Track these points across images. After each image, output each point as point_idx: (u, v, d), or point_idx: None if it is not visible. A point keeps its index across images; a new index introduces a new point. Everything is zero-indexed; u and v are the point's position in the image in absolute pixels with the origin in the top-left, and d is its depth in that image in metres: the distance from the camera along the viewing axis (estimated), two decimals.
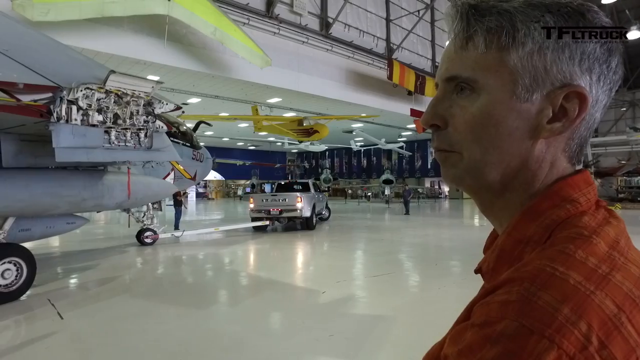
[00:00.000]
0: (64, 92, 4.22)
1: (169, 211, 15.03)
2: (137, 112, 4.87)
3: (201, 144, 11.79)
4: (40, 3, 8.06)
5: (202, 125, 13.12)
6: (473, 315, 0.44)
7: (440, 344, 0.53)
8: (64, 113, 4.26)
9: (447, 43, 0.56)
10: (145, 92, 4.84)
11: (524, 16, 0.49)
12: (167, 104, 5.21)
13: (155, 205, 10.20)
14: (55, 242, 10.73)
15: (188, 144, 10.27)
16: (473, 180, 0.54)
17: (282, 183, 15.74)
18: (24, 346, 4.03)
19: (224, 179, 43.82)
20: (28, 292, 5.85)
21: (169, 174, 9.59)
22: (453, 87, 0.53)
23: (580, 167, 0.54)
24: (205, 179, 39.82)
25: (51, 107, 4.17)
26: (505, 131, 0.50)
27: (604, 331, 0.38)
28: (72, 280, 6.86)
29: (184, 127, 10.18)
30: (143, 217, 10.10)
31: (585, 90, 0.48)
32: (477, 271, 0.57)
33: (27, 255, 5.65)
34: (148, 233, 10.00)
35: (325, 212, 16.68)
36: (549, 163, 0.51)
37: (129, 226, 10.33)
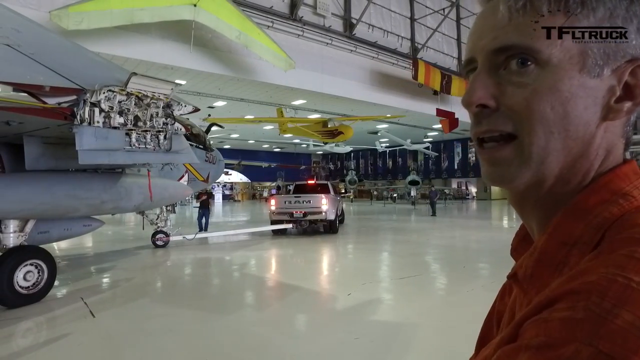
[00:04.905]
0: (87, 95, 4.25)
1: (197, 213, 15.25)
2: (157, 114, 4.88)
3: (226, 146, 11.88)
4: (75, 12, 8.42)
5: (225, 127, 13.22)
6: (524, 333, 0.36)
7: None
8: (86, 115, 4.29)
9: (484, 11, 0.48)
10: (164, 94, 4.86)
11: None
12: (185, 105, 5.20)
13: (168, 208, 10.31)
14: (78, 242, 11.10)
15: (201, 146, 10.31)
16: (530, 173, 0.45)
17: (299, 184, 15.29)
18: (59, 342, 4.14)
19: (249, 181, 44.40)
20: (64, 291, 6.07)
21: (182, 176, 9.67)
22: (502, 61, 0.45)
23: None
24: (231, 181, 40.60)
25: (75, 109, 4.20)
26: (574, 111, 0.42)
27: None
28: (102, 280, 7.04)
29: (197, 129, 10.23)
30: (157, 219, 10.27)
31: None
32: (510, 277, 0.49)
33: (47, 257, 5.68)
34: (159, 235, 10.20)
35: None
36: (605, 150, 0.44)
37: (143, 228, 10.51)
